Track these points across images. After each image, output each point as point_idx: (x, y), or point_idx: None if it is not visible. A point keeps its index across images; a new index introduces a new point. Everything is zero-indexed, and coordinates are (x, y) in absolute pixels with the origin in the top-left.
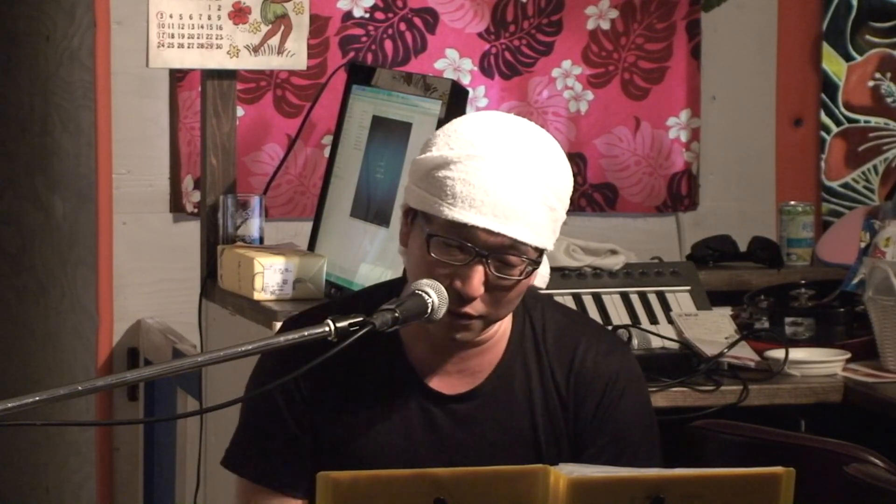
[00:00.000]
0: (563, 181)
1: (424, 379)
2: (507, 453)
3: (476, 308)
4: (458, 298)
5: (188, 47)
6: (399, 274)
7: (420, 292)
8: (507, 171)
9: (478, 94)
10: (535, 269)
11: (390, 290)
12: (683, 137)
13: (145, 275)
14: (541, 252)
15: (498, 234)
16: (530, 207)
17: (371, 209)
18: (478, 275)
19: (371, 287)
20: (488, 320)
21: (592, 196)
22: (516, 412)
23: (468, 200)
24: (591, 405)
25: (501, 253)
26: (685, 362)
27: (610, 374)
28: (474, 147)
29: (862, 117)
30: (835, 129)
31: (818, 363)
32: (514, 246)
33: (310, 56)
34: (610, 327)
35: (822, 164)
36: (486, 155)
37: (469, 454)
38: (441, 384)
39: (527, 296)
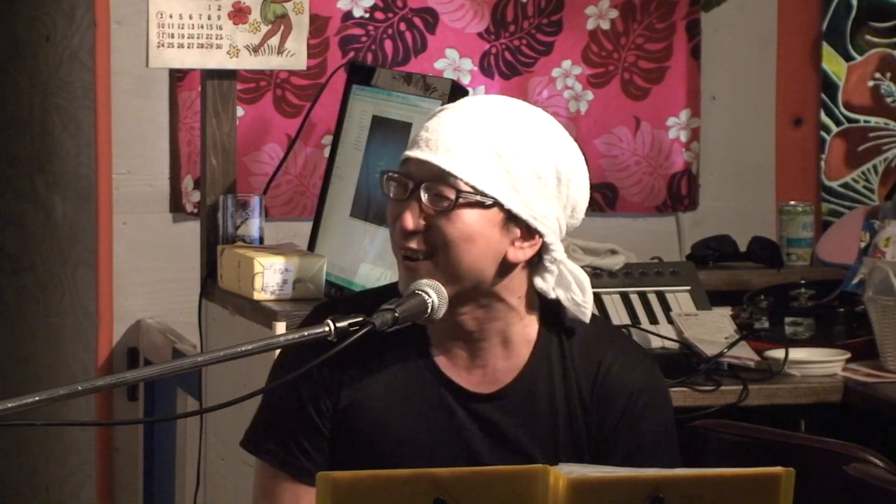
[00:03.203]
0: (518, 133)
1: (449, 377)
2: (526, 458)
3: (419, 244)
4: (400, 233)
5: (188, 47)
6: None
7: (420, 292)
8: (452, 114)
9: (478, 94)
10: (473, 208)
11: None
12: (683, 137)
13: (145, 275)
14: (481, 193)
15: (425, 163)
16: (466, 143)
17: (371, 209)
18: (414, 207)
19: (377, 288)
20: (440, 266)
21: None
22: (538, 418)
23: (414, 141)
24: (614, 416)
25: (432, 181)
26: (685, 362)
27: (634, 387)
28: (447, 105)
29: (862, 117)
30: (835, 129)
31: (818, 363)
32: (445, 177)
33: (310, 56)
34: None
35: (822, 164)
36: (449, 106)
37: (488, 456)
38: (464, 383)
39: (556, 305)
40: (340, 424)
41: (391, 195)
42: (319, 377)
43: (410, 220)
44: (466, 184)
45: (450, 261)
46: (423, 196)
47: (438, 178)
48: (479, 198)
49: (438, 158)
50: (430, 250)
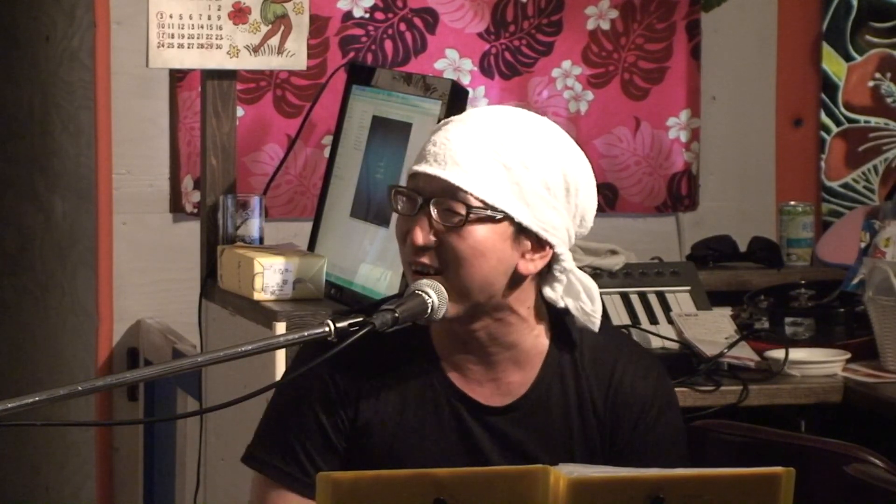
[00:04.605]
0: (525, 144)
1: (462, 391)
2: None
3: (430, 259)
4: (410, 248)
5: (188, 47)
6: (399, 274)
7: (420, 292)
8: (459, 127)
9: (478, 94)
10: (484, 223)
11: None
12: (683, 137)
13: (145, 275)
14: (491, 207)
15: (435, 178)
16: (475, 158)
17: (371, 209)
18: (424, 223)
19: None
20: (451, 281)
21: None
22: (553, 429)
23: (421, 155)
24: (627, 426)
25: (441, 197)
26: (685, 362)
27: (646, 397)
28: (453, 118)
29: (862, 117)
30: (835, 129)
31: (818, 363)
32: (454, 192)
33: (310, 56)
34: None
35: (822, 164)
36: (455, 119)
37: None
38: (478, 396)
39: (565, 314)
40: (355, 442)
41: (399, 210)
42: (336, 394)
43: (420, 236)
44: (476, 199)
45: (461, 277)
46: (433, 211)
47: (448, 193)
48: (489, 212)
49: (447, 173)
50: (441, 266)
